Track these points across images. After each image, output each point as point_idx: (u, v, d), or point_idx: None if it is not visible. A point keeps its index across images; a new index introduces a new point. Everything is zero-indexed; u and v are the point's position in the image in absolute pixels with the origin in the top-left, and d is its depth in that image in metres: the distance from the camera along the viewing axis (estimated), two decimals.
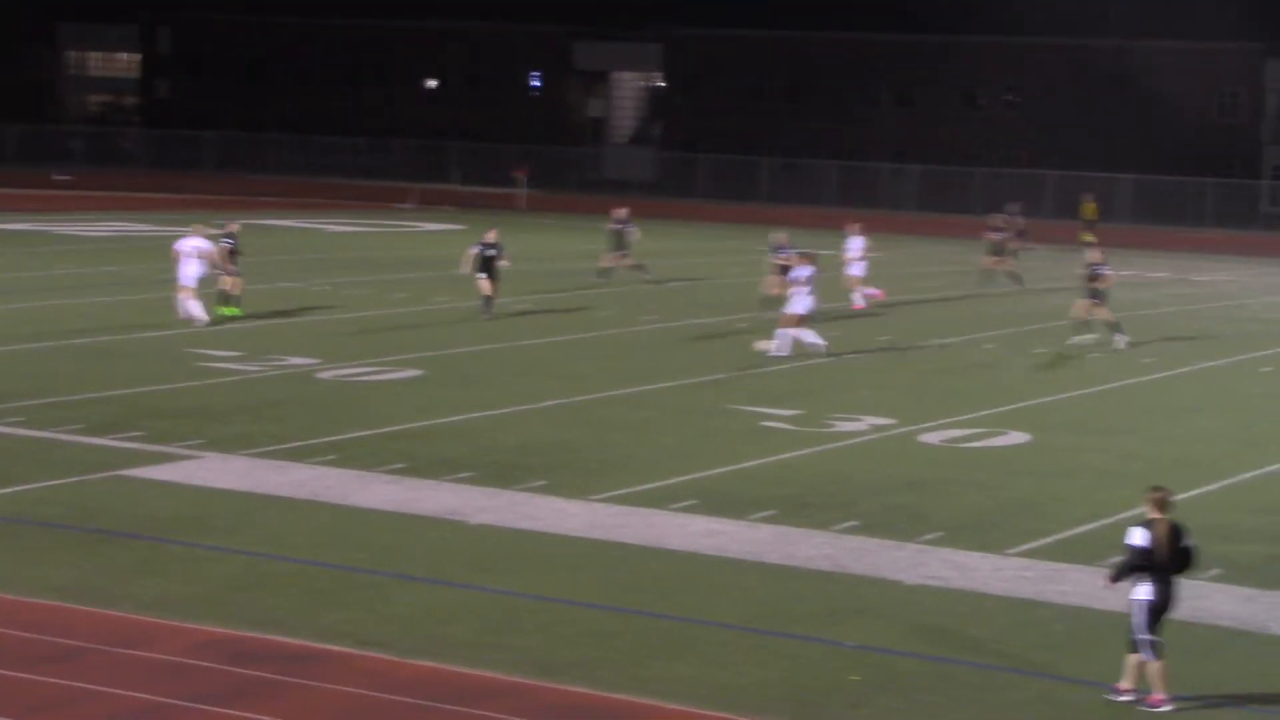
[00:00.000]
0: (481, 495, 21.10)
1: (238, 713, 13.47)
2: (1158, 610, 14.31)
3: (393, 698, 13.93)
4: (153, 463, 22.31)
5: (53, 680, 14.04)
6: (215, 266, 35.91)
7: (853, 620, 16.52)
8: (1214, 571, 18.55)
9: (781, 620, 16.46)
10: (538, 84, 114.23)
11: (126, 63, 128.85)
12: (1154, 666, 14.30)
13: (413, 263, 51.45)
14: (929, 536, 19.82)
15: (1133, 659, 14.36)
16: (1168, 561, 14.32)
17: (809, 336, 33.27)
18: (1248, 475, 24.13)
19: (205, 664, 14.59)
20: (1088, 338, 37.02)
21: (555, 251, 55.70)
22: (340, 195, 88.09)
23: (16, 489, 20.74)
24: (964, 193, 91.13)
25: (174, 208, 71.86)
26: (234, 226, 37.78)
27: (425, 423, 25.73)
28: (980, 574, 18.31)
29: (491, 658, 14.99)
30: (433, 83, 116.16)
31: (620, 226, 46.93)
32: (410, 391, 28.60)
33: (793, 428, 26.34)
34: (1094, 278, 36.88)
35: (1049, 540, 19.82)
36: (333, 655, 14.96)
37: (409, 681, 14.31)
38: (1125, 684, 14.40)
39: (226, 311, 36.31)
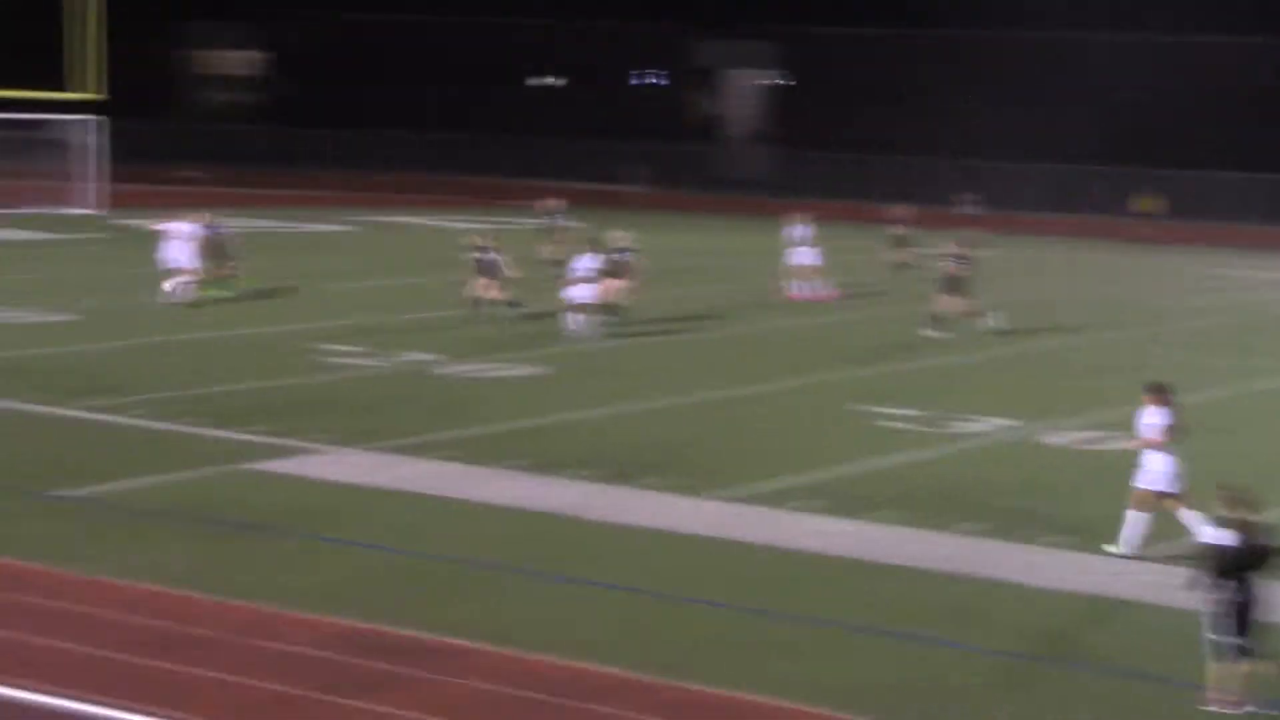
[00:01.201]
0: (601, 492, 21.15)
1: (364, 704, 13.56)
2: (1240, 611, 14.05)
3: (516, 692, 13.98)
4: (276, 456, 22.51)
5: (179, 668, 14.19)
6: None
7: (976, 622, 16.40)
8: None
9: (904, 621, 16.37)
10: (655, 81, 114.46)
11: (249, 60, 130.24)
12: (1238, 668, 14.05)
13: (527, 262, 51.51)
14: (1053, 539, 19.65)
15: (1216, 666, 14.14)
16: (1244, 561, 14.04)
17: (574, 321, 35.08)
18: None
19: (331, 655, 14.70)
20: (938, 332, 36.55)
21: (696, 248, 55.55)
22: (460, 191, 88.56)
23: (143, 480, 21.00)
24: (1090, 193, 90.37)
25: (301, 204, 72.53)
26: (205, 219, 39.97)
27: (546, 419, 25.82)
28: (1102, 578, 18.13)
29: (613, 654, 15.00)
30: (553, 80, 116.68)
31: (550, 220, 47.43)
32: (531, 388, 28.70)
33: (912, 428, 26.21)
34: (953, 269, 36.75)
35: (1177, 546, 19.54)
36: (458, 649, 15.03)
37: (533, 676, 14.35)
38: (1213, 693, 14.19)
39: (220, 292, 39.39)
